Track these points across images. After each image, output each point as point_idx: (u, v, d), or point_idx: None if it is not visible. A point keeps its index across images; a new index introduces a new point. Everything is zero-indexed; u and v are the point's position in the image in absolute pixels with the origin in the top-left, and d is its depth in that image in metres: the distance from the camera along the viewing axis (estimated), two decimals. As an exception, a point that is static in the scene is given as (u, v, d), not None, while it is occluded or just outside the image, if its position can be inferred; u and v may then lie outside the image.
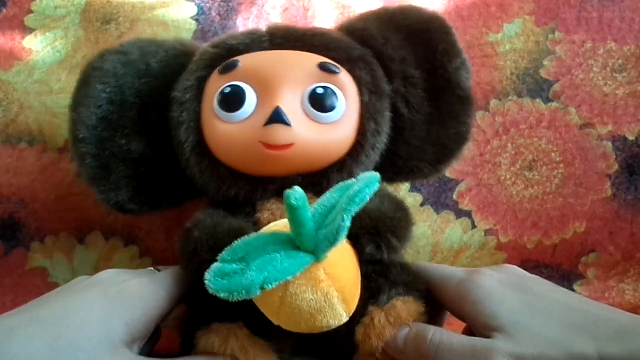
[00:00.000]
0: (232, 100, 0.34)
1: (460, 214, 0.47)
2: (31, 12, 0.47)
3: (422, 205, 0.46)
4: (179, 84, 0.36)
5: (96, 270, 0.45)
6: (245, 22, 0.47)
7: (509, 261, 0.47)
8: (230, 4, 0.47)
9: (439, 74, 0.37)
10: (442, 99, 0.38)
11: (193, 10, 0.47)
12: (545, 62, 0.47)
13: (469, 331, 0.33)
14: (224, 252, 0.28)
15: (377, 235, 0.31)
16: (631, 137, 0.47)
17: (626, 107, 0.47)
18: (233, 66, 0.35)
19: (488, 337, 0.28)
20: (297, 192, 0.26)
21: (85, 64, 0.38)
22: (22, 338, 0.25)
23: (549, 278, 0.46)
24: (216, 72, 0.35)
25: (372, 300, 0.31)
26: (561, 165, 0.47)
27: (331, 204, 0.28)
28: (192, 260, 0.31)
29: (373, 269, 0.32)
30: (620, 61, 0.47)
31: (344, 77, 0.35)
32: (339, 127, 0.34)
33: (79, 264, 0.45)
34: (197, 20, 0.47)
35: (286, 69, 0.34)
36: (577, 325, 0.27)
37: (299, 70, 0.34)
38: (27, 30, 0.46)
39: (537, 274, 0.34)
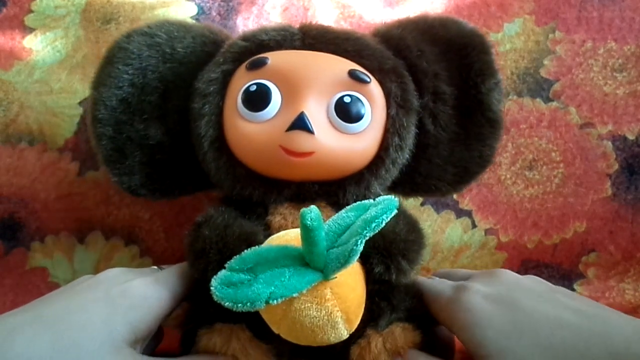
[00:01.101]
0: (257, 99, 0.33)
1: (460, 213, 0.47)
2: (31, 11, 0.47)
3: (422, 204, 0.46)
4: (204, 75, 0.35)
5: (96, 269, 0.45)
6: (245, 22, 0.47)
7: (509, 260, 0.47)
8: (230, 4, 0.47)
9: (471, 93, 0.36)
10: (471, 119, 0.37)
11: (193, 9, 0.47)
12: (546, 62, 0.47)
13: None
14: (232, 261, 0.27)
15: (387, 257, 0.30)
16: (631, 137, 0.47)
17: (626, 107, 0.47)
18: (261, 63, 0.33)
19: None
20: (312, 212, 0.26)
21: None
22: (24, 337, 0.25)
23: (549, 277, 0.46)
24: (243, 67, 0.34)
25: (371, 323, 0.31)
26: (561, 165, 0.47)
27: (346, 224, 0.28)
28: (200, 259, 0.30)
29: (378, 288, 0.31)
30: (620, 60, 0.47)
31: (374, 87, 0.34)
32: (362, 138, 0.33)
33: (79, 263, 0.45)
34: (197, 19, 0.47)
35: (315, 73, 0.33)
36: (567, 345, 0.26)
37: (328, 76, 0.33)
38: (27, 29, 0.46)
39: (537, 274, 0.34)
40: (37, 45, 0.46)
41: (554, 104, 0.47)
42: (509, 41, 0.47)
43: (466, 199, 0.47)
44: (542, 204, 0.46)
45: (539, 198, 0.47)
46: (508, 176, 0.47)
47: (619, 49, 0.47)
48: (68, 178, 0.45)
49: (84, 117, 0.45)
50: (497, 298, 0.30)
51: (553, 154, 0.47)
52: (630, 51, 0.47)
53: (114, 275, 0.31)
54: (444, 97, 0.37)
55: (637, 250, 0.47)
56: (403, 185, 0.37)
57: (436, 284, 0.34)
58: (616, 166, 0.47)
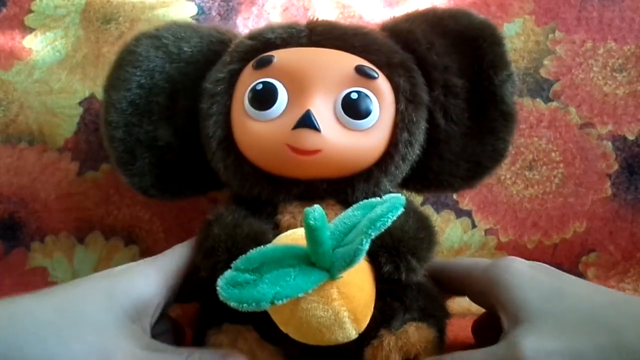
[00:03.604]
0: (263, 98, 0.33)
1: (460, 213, 0.47)
2: (31, 11, 0.47)
3: (422, 204, 0.46)
4: (211, 75, 0.35)
5: (96, 269, 0.45)
6: (245, 22, 0.47)
7: (509, 261, 0.47)
8: (230, 4, 0.47)
9: (483, 85, 0.35)
10: (483, 113, 0.36)
11: (193, 9, 0.47)
12: (545, 62, 0.47)
13: (486, 318, 0.34)
14: (238, 260, 0.27)
15: (396, 256, 0.30)
16: (631, 137, 0.47)
17: (626, 107, 0.47)
18: (267, 62, 0.33)
19: (515, 328, 0.28)
20: (316, 212, 0.26)
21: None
22: (28, 303, 0.27)
23: (549, 277, 0.46)
24: (250, 66, 0.34)
25: (384, 324, 0.30)
26: (561, 165, 0.47)
27: (352, 223, 0.28)
28: (209, 257, 0.30)
29: (389, 287, 0.31)
30: (620, 61, 0.47)
31: (381, 82, 0.34)
32: (370, 135, 0.33)
33: (79, 263, 0.45)
34: (197, 19, 0.47)
35: (322, 70, 0.33)
36: (605, 307, 0.27)
37: (334, 73, 0.33)
38: (27, 29, 0.46)
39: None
40: (37, 45, 0.46)
41: (554, 104, 0.47)
42: (509, 41, 0.47)
43: (466, 199, 0.47)
44: (542, 204, 0.47)
45: (538, 198, 0.47)
46: (508, 176, 0.47)
47: (619, 49, 0.47)
48: (68, 178, 0.45)
49: (84, 117, 0.45)
50: (537, 266, 0.31)
51: (553, 154, 0.47)
52: (630, 51, 0.47)
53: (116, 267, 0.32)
54: (455, 90, 0.36)
55: (637, 250, 0.47)
56: (415, 182, 0.37)
57: (469, 259, 0.34)
58: (616, 166, 0.47)
